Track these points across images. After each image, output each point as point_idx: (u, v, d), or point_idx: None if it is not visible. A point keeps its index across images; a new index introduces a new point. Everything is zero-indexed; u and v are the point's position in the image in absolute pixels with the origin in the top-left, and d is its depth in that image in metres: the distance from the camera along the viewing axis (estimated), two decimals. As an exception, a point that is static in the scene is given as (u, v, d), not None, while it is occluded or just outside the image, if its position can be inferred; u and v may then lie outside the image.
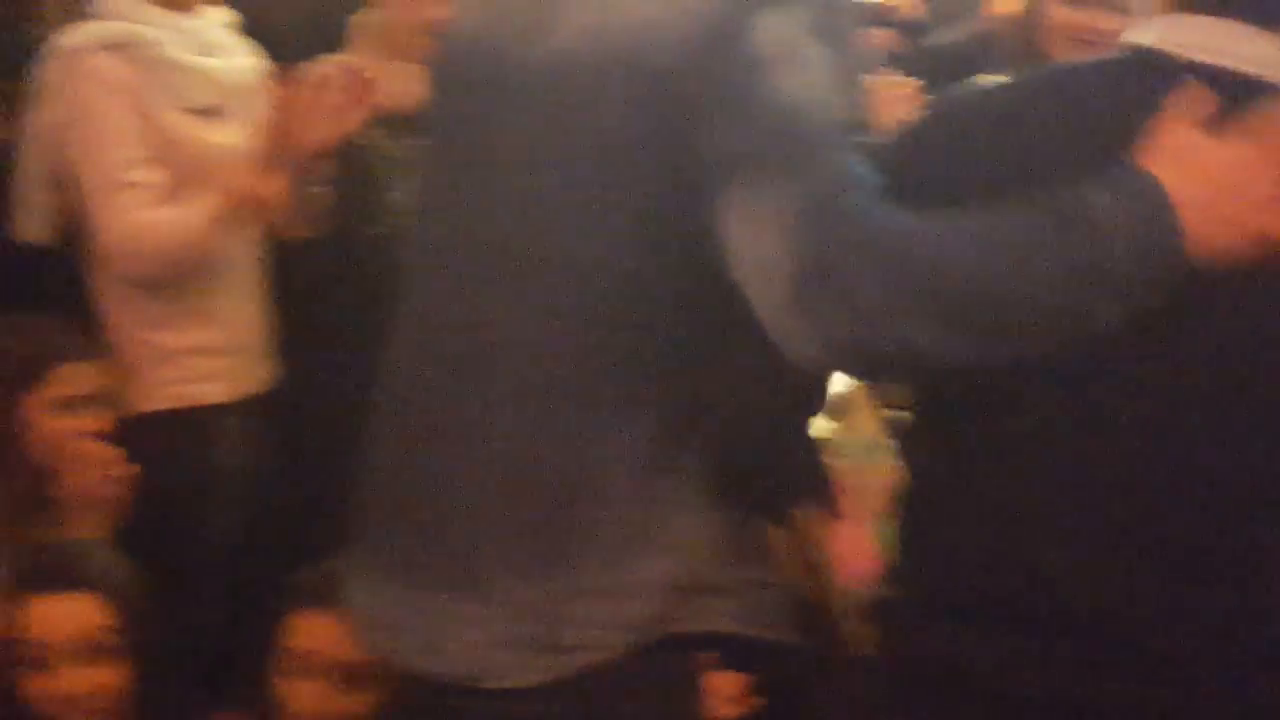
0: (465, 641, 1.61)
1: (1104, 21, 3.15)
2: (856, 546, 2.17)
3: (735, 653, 1.65)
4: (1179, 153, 1.51)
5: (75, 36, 2.74)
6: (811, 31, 1.56)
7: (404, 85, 2.67)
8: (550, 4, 1.65)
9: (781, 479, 1.78)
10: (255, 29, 2.96)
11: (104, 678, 2.24)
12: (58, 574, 2.30)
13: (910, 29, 4.12)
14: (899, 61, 3.66)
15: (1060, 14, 3.23)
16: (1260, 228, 1.50)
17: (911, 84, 2.92)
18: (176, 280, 2.73)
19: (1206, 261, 1.49)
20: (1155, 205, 1.49)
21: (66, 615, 2.25)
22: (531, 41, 1.65)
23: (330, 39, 3.00)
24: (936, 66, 3.67)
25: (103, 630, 2.25)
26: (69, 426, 2.59)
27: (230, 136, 2.77)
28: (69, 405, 2.59)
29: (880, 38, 3.85)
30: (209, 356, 2.79)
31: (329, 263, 2.82)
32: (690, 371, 1.63)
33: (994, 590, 1.60)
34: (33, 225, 2.76)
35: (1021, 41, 3.29)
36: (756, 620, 1.67)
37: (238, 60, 2.89)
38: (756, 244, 1.49)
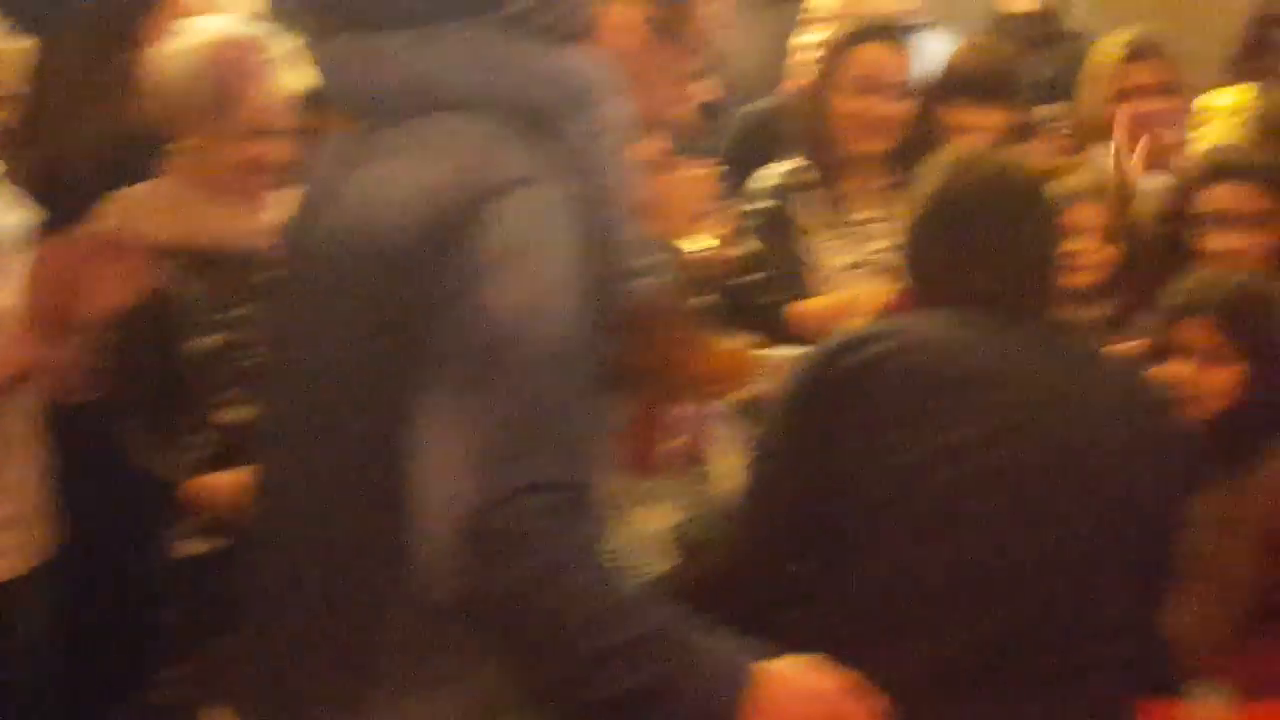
0: None
1: (882, 108, 3.19)
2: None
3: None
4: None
5: None
6: (559, 207, 1.56)
7: (218, 223, 2.66)
8: (339, 179, 1.68)
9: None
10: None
11: None
12: None
13: (709, 111, 4.12)
14: (698, 145, 3.66)
15: (841, 101, 3.25)
16: None
17: (710, 168, 2.93)
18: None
19: None
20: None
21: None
22: (318, 216, 1.69)
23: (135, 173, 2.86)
24: (736, 144, 3.71)
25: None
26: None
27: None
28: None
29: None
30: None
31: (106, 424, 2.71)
32: None
33: None
34: None
35: (810, 123, 3.29)
36: None
37: (4, 218, 2.77)
38: (447, 459, 1.48)
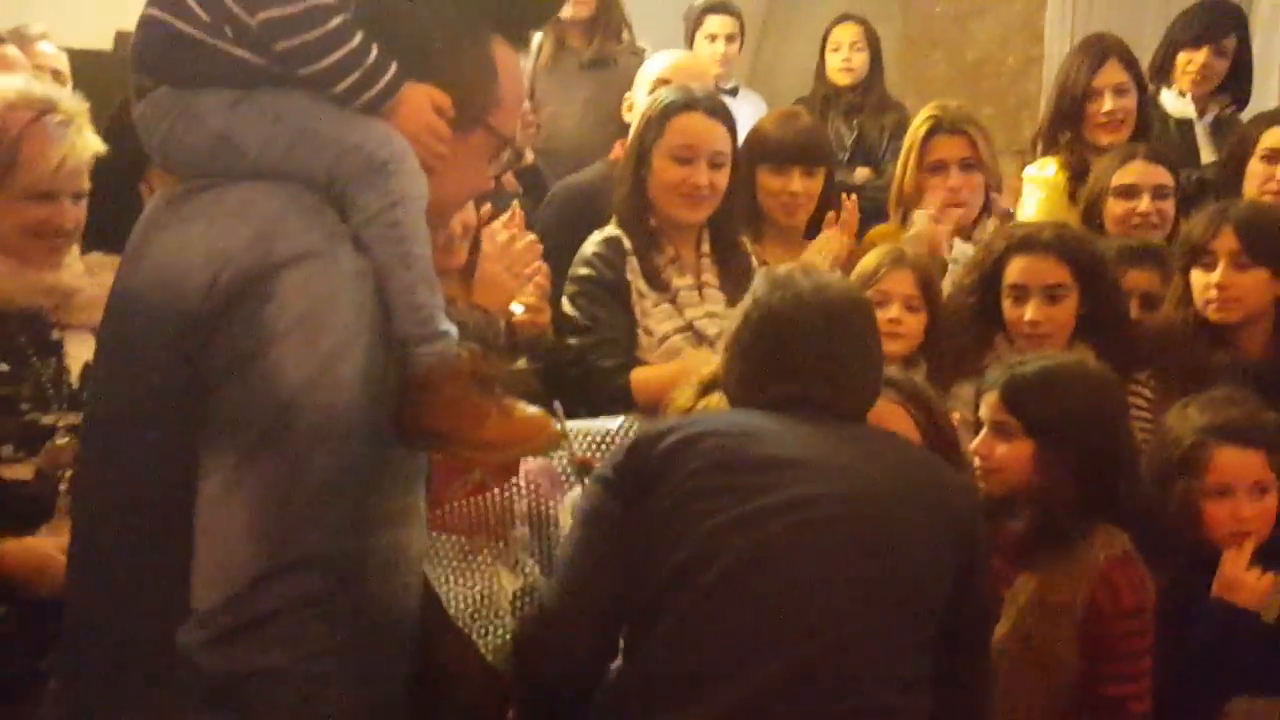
0: None
1: (703, 176, 3.21)
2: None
3: None
4: None
5: None
6: (347, 278, 1.64)
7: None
8: (147, 239, 1.74)
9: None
10: None
11: None
12: None
13: (526, 179, 4.12)
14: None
15: (661, 169, 3.26)
16: None
17: (531, 242, 2.91)
18: None
19: None
20: None
21: None
22: (130, 272, 1.75)
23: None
24: (557, 215, 3.69)
25: None
26: None
27: None
28: None
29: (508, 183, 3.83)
30: None
31: None
32: None
33: None
34: None
35: (630, 192, 3.30)
36: None
37: None
38: (227, 528, 1.57)
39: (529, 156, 3.96)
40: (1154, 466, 2.77)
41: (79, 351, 2.56)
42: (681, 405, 2.57)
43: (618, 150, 3.77)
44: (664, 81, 3.65)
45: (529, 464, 2.35)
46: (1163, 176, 3.68)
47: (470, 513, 2.27)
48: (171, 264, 1.67)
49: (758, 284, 2.30)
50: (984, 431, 2.66)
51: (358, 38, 1.73)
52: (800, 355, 2.20)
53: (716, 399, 2.47)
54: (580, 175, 3.92)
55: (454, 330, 1.79)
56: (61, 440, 2.51)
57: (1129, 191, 3.65)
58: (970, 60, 6.43)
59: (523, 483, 2.33)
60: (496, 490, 2.31)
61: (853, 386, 2.22)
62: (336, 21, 1.73)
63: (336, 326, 1.62)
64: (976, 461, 2.64)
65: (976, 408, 2.72)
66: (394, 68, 1.75)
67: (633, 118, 3.66)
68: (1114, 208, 3.66)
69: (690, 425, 2.19)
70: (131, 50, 1.80)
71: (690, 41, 5.32)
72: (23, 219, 2.56)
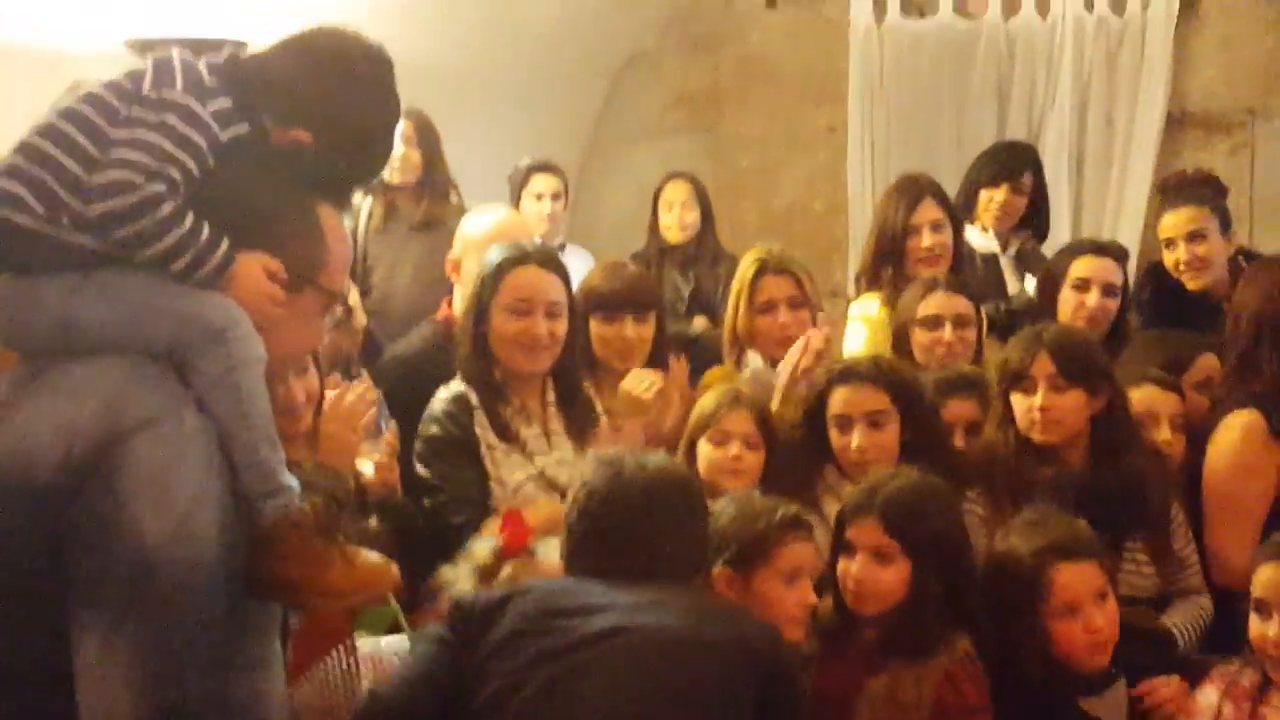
0: None
1: (541, 326, 3.29)
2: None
3: None
4: None
5: None
6: (190, 440, 1.74)
7: None
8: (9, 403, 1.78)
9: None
10: None
11: None
12: None
13: (366, 348, 4.12)
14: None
15: (500, 323, 3.32)
16: None
17: (361, 394, 2.93)
18: None
19: None
20: None
21: None
22: None
23: None
24: (396, 372, 3.71)
25: None
26: None
27: None
28: None
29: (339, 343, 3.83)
30: None
31: None
32: None
33: None
34: None
35: (472, 347, 3.35)
36: None
37: None
38: (105, 683, 1.65)
39: (362, 319, 3.99)
40: (989, 591, 2.84)
41: None
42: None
43: (444, 309, 3.83)
44: (489, 241, 3.73)
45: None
46: (963, 306, 3.88)
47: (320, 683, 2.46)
48: (22, 441, 1.74)
49: (588, 466, 2.57)
50: (860, 557, 2.77)
51: (189, 220, 1.85)
52: (619, 530, 2.44)
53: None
54: (406, 344, 3.94)
55: (295, 484, 1.90)
56: None
57: (932, 322, 3.85)
58: (778, 208, 6.67)
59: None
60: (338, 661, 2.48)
61: (671, 555, 2.44)
62: (168, 208, 1.84)
63: (188, 483, 1.72)
64: (850, 585, 2.75)
65: (837, 533, 2.83)
66: (225, 243, 1.86)
67: (458, 277, 3.75)
68: (920, 337, 3.85)
69: (513, 586, 2.48)
70: None
71: (516, 201, 5.42)
72: None
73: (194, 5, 4.31)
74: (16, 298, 1.85)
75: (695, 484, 2.64)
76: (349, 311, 3.72)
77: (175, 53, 1.96)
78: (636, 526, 2.44)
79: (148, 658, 1.66)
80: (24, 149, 1.87)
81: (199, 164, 1.88)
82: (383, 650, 2.62)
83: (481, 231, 3.85)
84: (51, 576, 1.70)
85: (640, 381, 3.52)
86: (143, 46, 4.21)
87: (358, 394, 2.95)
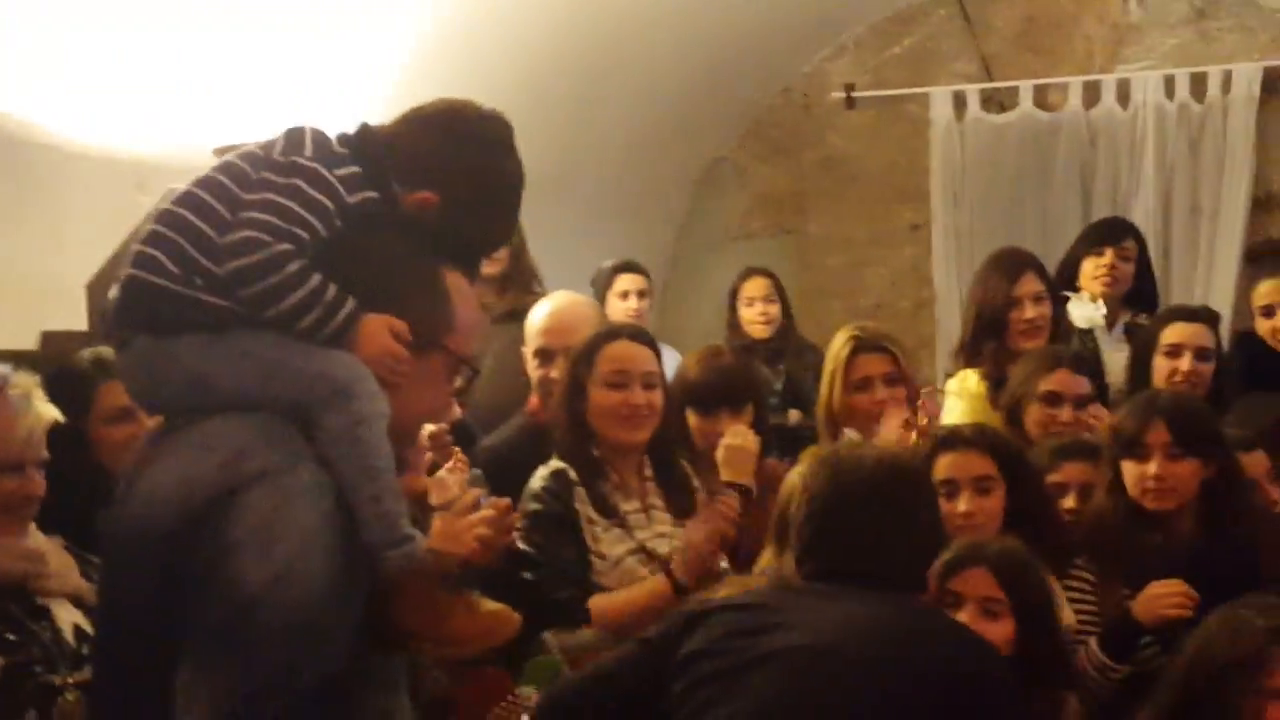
0: None
1: (639, 396, 3.28)
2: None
3: None
4: None
5: None
6: (305, 492, 1.77)
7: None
8: (136, 475, 1.88)
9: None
10: None
11: None
12: None
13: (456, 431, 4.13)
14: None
15: (598, 396, 3.33)
16: None
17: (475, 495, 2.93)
18: None
19: None
20: None
21: None
22: (122, 505, 1.88)
23: None
24: (488, 465, 3.70)
25: None
26: None
27: None
28: None
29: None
30: None
31: None
32: None
33: None
34: None
35: (569, 422, 3.35)
36: None
37: None
38: (193, 702, 1.69)
39: (457, 410, 3.98)
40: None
41: (64, 614, 2.66)
42: None
43: (533, 401, 3.82)
44: (543, 321, 3.75)
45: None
46: (1085, 388, 3.82)
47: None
48: (152, 493, 1.82)
49: (804, 468, 2.55)
50: (969, 609, 2.73)
51: (315, 278, 1.87)
52: (844, 530, 2.43)
53: None
54: (497, 436, 3.92)
55: (419, 535, 1.90)
56: (70, 696, 2.56)
57: (1053, 398, 3.78)
58: (865, 306, 6.66)
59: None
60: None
61: (901, 547, 2.43)
62: (294, 266, 1.87)
63: (293, 533, 1.74)
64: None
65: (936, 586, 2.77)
66: (350, 302, 1.89)
67: (531, 367, 3.76)
68: (1036, 413, 3.78)
69: (719, 601, 2.46)
70: (112, 307, 1.93)
71: (603, 301, 5.43)
72: None
73: (281, 111, 4.40)
74: (154, 356, 1.89)
75: (919, 470, 2.61)
76: (472, 380, 3.72)
77: (307, 125, 2.00)
78: (861, 523, 2.43)
79: (227, 699, 1.68)
80: (161, 216, 1.92)
81: (326, 226, 1.91)
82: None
83: (539, 318, 3.85)
84: (168, 620, 1.74)
85: (740, 434, 3.51)
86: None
87: (470, 496, 2.94)
